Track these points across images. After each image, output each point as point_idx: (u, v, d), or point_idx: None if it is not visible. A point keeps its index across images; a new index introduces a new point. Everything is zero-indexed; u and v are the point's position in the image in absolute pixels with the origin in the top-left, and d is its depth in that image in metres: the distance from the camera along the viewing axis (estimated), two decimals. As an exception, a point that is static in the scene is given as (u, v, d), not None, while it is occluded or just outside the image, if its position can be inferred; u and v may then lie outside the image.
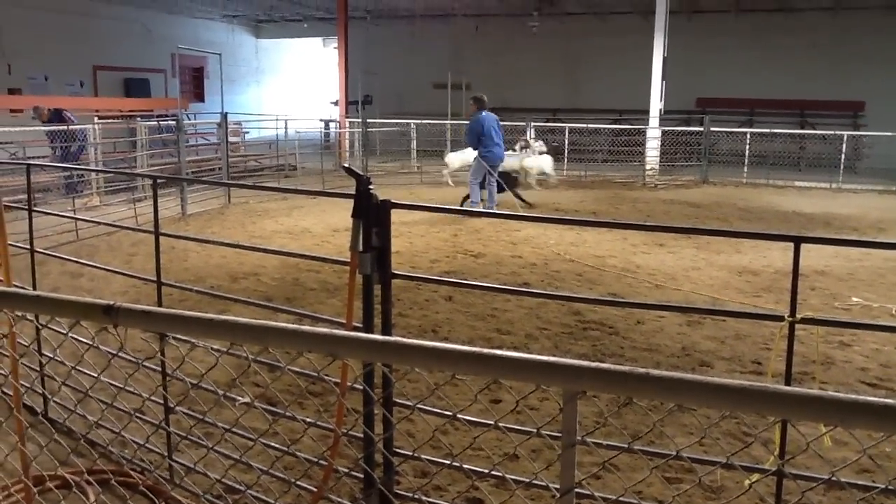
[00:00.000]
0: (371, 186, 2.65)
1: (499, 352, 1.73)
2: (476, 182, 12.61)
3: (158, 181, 3.98)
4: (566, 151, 19.75)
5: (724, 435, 4.32)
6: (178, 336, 2.82)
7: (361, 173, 2.66)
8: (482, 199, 12.60)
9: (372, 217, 2.64)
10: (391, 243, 2.67)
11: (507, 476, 2.88)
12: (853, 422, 1.59)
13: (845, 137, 18.41)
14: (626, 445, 2.13)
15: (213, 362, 2.29)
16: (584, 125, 20.08)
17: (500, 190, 12.92)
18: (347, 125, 20.78)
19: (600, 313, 6.57)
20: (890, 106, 20.75)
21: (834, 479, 1.70)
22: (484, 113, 12.47)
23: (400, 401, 2.94)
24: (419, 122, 20.80)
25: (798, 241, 2.32)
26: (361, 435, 2.82)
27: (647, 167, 18.52)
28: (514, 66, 25.95)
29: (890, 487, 1.76)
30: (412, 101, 25.65)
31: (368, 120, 19.42)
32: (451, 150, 18.33)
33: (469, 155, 15.18)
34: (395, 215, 2.81)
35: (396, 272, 2.75)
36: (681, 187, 16.97)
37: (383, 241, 2.65)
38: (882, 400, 1.49)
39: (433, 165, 18.94)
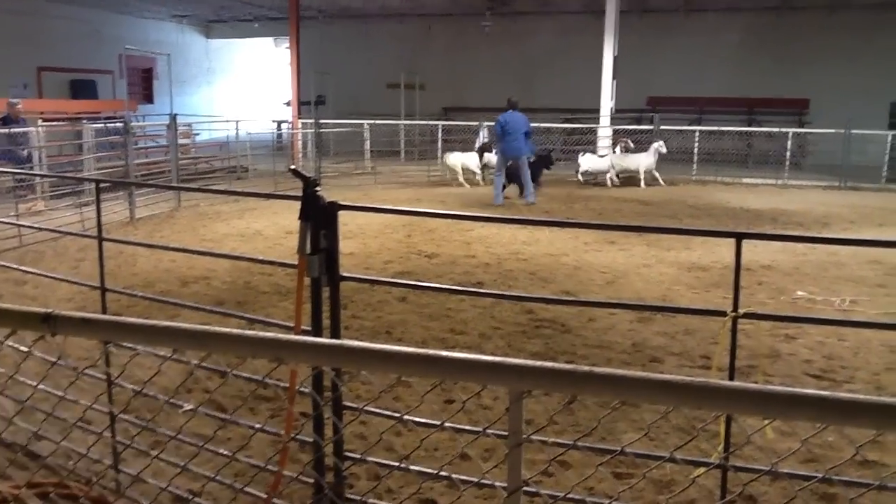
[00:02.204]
0: (318, 188, 2.62)
1: (445, 353, 1.72)
2: (499, 174, 13.94)
3: (102, 185, 3.89)
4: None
5: (673, 429, 4.38)
6: (122, 343, 2.76)
7: (308, 175, 2.64)
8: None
9: (319, 219, 2.62)
10: (339, 245, 2.65)
11: (453, 476, 2.87)
12: (792, 414, 1.62)
13: (791, 135, 18.85)
14: (571, 443, 2.14)
15: (160, 369, 2.25)
16: (537, 124, 20.21)
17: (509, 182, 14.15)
18: (300, 126, 20.62)
19: (553, 311, 6.61)
20: (833, 103, 21.29)
21: (774, 470, 1.72)
22: (509, 112, 13.68)
23: (350, 404, 2.92)
24: (373, 122, 20.73)
25: (739, 237, 2.37)
26: (311, 440, 2.80)
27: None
28: (467, 65, 26.06)
29: (829, 477, 1.80)
30: (366, 102, 25.56)
31: (322, 120, 19.29)
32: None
33: (471, 157, 16.03)
34: (349, 216, 2.79)
35: (345, 274, 2.73)
36: (633, 185, 17.18)
37: (331, 243, 2.63)
38: (819, 392, 1.52)
39: (387, 166, 18.91)
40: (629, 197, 15.21)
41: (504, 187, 14.06)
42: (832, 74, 22.27)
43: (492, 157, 16.36)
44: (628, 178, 17.42)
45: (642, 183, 17.01)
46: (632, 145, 17.84)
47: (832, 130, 18.23)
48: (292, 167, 2.75)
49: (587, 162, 17.71)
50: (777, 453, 3.93)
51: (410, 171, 18.94)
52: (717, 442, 2.77)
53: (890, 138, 18.43)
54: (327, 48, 26.84)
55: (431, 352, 1.71)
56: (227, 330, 1.71)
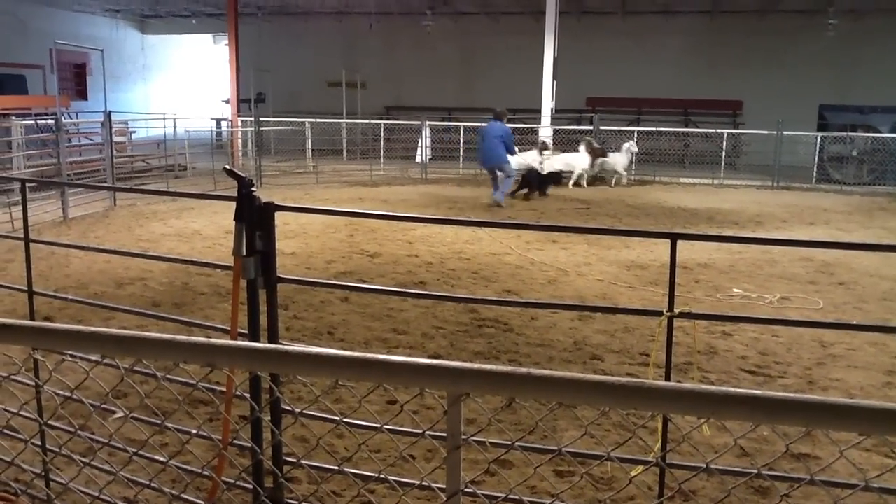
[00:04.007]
0: (253, 188, 2.57)
1: (381, 357, 1.70)
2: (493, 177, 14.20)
3: (29, 184, 3.75)
4: (461, 150, 19.91)
5: (614, 426, 4.44)
6: (49, 349, 2.66)
7: (243, 174, 2.59)
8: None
9: (255, 220, 2.57)
10: (277, 246, 2.60)
11: (392, 479, 2.85)
12: (724, 413, 1.65)
13: (725, 135, 19.30)
14: (510, 443, 2.14)
15: (94, 373, 2.18)
16: (475, 124, 20.30)
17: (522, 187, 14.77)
18: (240, 124, 20.30)
19: (495, 310, 6.64)
20: (765, 105, 21.88)
21: (709, 467, 1.75)
22: (491, 122, 14.13)
23: (287, 407, 2.88)
24: (314, 120, 20.53)
25: (674, 237, 2.40)
26: (249, 444, 2.74)
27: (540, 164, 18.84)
28: (409, 64, 26.01)
29: (762, 473, 1.84)
30: (307, 100, 25.31)
31: (261, 118, 19.02)
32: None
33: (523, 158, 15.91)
34: (291, 216, 2.75)
35: (282, 276, 2.69)
36: (574, 184, 17.36)
37: (267, 244, 2.58)
38: (750, 391, 1.55)
39: (329, 165, 18.75)
40: (571, 196, 15.38)
41: (516, 189, 14.66)
42: (764, 77, 22.91)
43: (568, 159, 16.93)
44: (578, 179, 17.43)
45: (623, 181, 17.33)
46: (597, 144, 17.82)
47: (765, 131, 18.73)
48: (227, 167, 2.69)
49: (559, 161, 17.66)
50: (714, 449, 4.02)
51: (353, 170, 18.82)
52: (655, 438, 2.81)
53: (819, 139, 19.03)
54: (267, 45, 26.49)
55: (368, 355, 1.69)
56: (157, 335, 1.66)
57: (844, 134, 19.20)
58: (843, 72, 22.75)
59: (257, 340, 2.64)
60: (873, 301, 7.43)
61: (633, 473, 2.98)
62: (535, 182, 14.98)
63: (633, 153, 17.65)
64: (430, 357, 5.62)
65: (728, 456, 3.95)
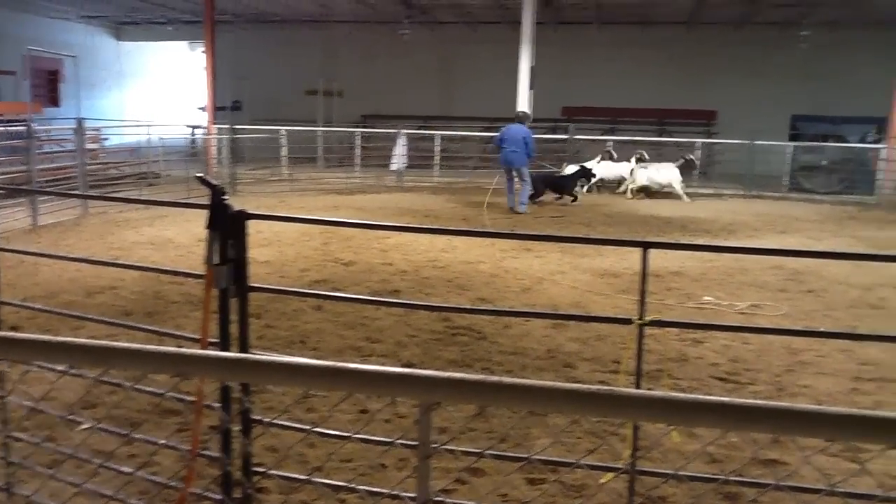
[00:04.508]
0: (226, 197, 2.56)
1: (352, 366, 1.71)
2: (509, 182, 14.50)
3: (-2, 192, 3.71)
4: (438, 158, 19.97)
5: (585, 433, 4.45)
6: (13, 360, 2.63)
7: (216, 183, 2.58)
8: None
9: (227, 229, 2.56)
10: (249, 255, 2.60)
11: (361, 488, 2.85)
12: (694, 421, 1.67)
13: (699, 144, 19.52)
14: (480, 451, 2.15)
15: (63, 384, 2.16)
16: (456, 132, 20.38)
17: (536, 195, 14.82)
18: (215, 131, 20.18)
19: (469, 318, 6.65)
20: (739, 114, 22.17)
21: (677, 473, 1.77)
22: (513, 125, 14.43)
23: (258, 417, 2.86)
24: (290, 128, 20.47)
25: (645, 246, 2.43)
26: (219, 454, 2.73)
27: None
28: (386, 73, 26.04)
29: (730, 479, 1.86)
30: (284, 108, 25.26)
31: (238, 126, 18.93)
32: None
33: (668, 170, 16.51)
34: (265, 224, 2.74)
35: (254, 285, 2.68)
36: (549, 193, 17.44)
37: (239, 253, 2.57)
38: (719, 399, 1.57)
39: (306, 173, 18.71)
40: (547, 204, 15.44)
41: (536, 195, 14.83)
42: (738, 87, 23.22)
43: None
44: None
45: (685, 197, 16.79)
46: (647, 157, 17.67)
47: (738, 141, 18.97)
48: (199, 175, 2.68)
49: (602, 170, 17.63)
50: (684, 455, 4.05)
51: (329, 178, 18.78)
52: (626, 445, 2.83)
53: (791, 149, 19.32)
54: (244, 53, 26.42)
55: (339, 364, 1.69)
56: (126, 345, 1.65)
57: (816, 144, 19.51)
58: (816, 83, 23.11)
59: (228, 350, 2.63)
60: (841, 308, 7.54)
61: (602, 480, 3.00)
62: (539, 187, 14.99)
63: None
64: (403, 365, 5.62)
65: (698, 462, 3.98)
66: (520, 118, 14.55)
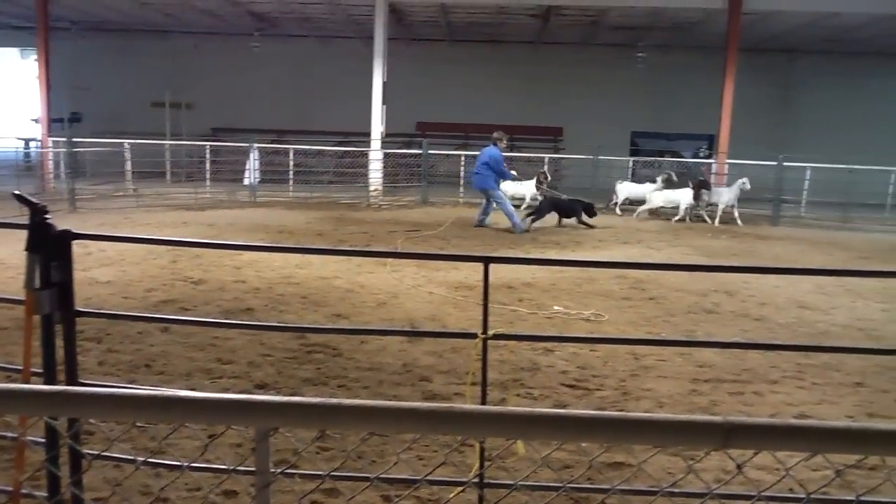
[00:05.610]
0: (48, 215, 2.39)
1: (184, 394, 1.63)
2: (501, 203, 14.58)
3: None
4: (292, 173, 19.67)
5: (441, 446, 4.47)
6: None
7: (35, 201, 2.40)
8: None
9: (50, 250, 2.38)
10: (73, 278, 2.43)
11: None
12: (532, 433, 1.70)
13: (547, 159, 20.25)
14: (323, 473, 2.11)
15: None
16: (310, 147, 20.14)
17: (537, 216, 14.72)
18: (51, 144, 18.98)
19: (324, 336, 6.55)
20: (584, 131, 23.20)
21: (517, 484, 1.79)
22: (487, 147, 14.58)
23: (89, 451, 2.68)
24: (134, 141, 19.53)
25: (486, 261, 2.46)
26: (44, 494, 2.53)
27: (371, 188, 18.98)
28: (238, 86, 25.38)
29: (576, 486, 1.91)
30: (129, 120, 24.09)
31: (77, 139, 17.86)
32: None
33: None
34: (108, 242, 2.57)
35: (81, 309, 2.51)
36: (403, 207, 17.57)
37: (64, 276, 2.40)
38: (555, 411, 1.60)
39: (153, 188, 17.91)
40: (401, 219, 15.53)
41: (539, 217, 14.72)
42: (582, 105, 24.31)
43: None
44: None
45: (716, 220, 16.48)
46: (675, 178, 17.52)
47: (583, 156, 19.81)
48: (16, 192, 2.49)
49: (626, 190, 17.47)
50: (537, 462, 4.14)
51: (177, 193, 18.05)
52: (476, 457, 2.85)
53: (631, 163, 20.41)
54: (84, 62, 25.03)
55: (169, 393, 1.60)
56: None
57: (653, 159, 20.72)
58: (653, 102, 24.59)
59: (53, 380, 2.45)
60: (679, 314, 8.00)
61: (451, 496, 3.01)
62: (545, 210, 14.82)
63: (743, 190, 16.60)
64: (256, 386, 5.46)
65: (552, 469, 4.08)
66: (493, 140, 14.64)
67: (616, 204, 17.79)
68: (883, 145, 22.37)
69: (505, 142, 14.83)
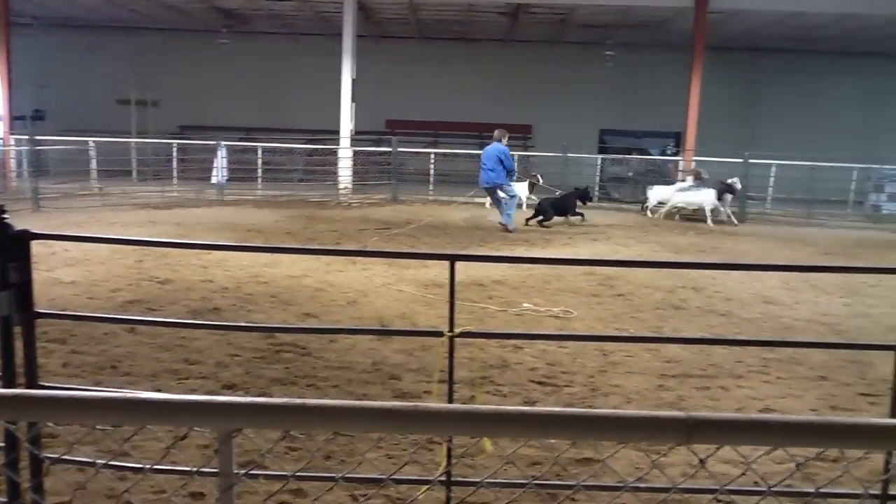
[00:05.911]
0: (6, 216, 2.35)
1: (144, 396, 1.61)
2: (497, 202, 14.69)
3: None
4: (261, 171, 19.53)
5: (411, 444, 4.46)
6: None
7: (-8, 202, 2.35)
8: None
9: (8, 251, 2.34)
10: (31, 278, 2.39)
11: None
12: (498, 431, 1.70)
13: (516, 157, 20.29)
14: (288, 474, 2.09)
15: None
16: (279, 144, 20.02)
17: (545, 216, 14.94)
18: (13, 142, 18.65)
19: (293, 335, 6.51)
20: (553, 128, 23.30)
21: (487, 481, 1.80)
22: (491, 144, 14.68)
23: (50, 455, 2.64)
24: (100, 139, 19.25)
25: (452, 259, 2.46)
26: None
27: (341, 186, 18.92)
28: (205, 83, 25.12)
29: (543, 482, 1.91)
30: (94, 118, 23.70)
31: (39, 137, 17.56)
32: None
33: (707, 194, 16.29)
34: (72, 242, 2.52)
35: (41, 311, 2.47)
36: (373, 205, 17.53)
37: (23, 276, 2.36)
38: (520, 409, 1.60)
39: (119, 187, 17.68)
40: (370, 216, 15.49)
41: (546, 218, 14.86)
42: (552, 103, 24.42)
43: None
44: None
45: (710, 222, 16.27)
46: (706, 175, 17.32)
47: (552, 154, 19.90)
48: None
49: (658, 193, 17.24)
50: (504, 458, 4.15)
51: (144, 192, 17.82)
52: (444, 455, 2.85)
53: (599, 161, 20.55)
54: (47, 59, 24.61)
55: (130, 395, 1.59)
56: None
57: (622, 156, 20.88)
58: (620, 99, 24.76)
59: (12, 384, 2.40)
60: (647, 310, 8.07)
61: (418, 495, 3.01)
62: (548, 210, 14.93)
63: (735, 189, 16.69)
64: (224, 386, 5.41)
65: (521, 465, 4.10)
66: (496, 137, 14.66)
67: (648, 207, 17.57)
68: (845, 142, 22.78)
69: (506, 139, 14.78)
